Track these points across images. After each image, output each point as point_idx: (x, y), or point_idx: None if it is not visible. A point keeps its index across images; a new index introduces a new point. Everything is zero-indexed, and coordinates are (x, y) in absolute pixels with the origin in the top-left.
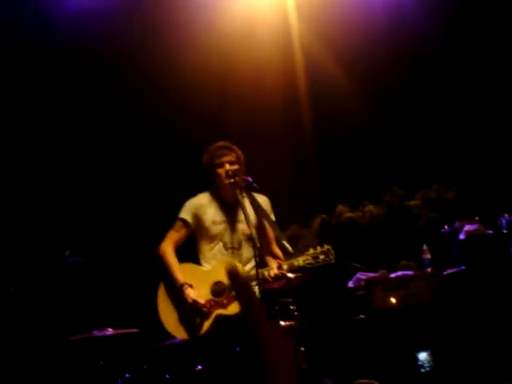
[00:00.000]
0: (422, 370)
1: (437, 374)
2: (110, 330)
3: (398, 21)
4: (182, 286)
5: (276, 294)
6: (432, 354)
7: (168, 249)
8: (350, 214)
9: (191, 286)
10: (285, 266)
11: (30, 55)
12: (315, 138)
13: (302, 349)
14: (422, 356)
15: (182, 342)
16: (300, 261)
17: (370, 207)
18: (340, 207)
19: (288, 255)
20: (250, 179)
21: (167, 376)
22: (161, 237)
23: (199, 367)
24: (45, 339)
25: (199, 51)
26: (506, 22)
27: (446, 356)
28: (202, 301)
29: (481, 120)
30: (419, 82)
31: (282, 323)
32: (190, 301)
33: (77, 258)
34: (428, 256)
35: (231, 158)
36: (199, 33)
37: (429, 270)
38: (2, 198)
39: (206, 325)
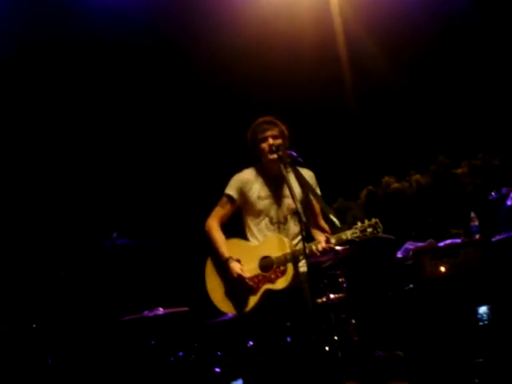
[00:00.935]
0: (481, 324)
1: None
2: (160, 309)
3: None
4: (227, 260)
5: (324, 267)
6: (490, 309)
7: (214, 224)
8: (396, 185)
9: (238, 260)
10: (332, 240)
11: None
12: (359, 112)
13: (353, 321)
14: (482, 310)
15: (233, 319)
16: (348, 234)
17: (417, 177)
18: (386, 178)
19: (335, 229)
20: (294, 153)
21: (219, 353)
22: (208, 213)
23: (251, 343)
24: (96, 321)
25: (238, 21)
26: None
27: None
28: (247, 274)
29: None
30: (463, 51)
31: (332, 296)
32: (235, 275)
33: (124, 240)
34: (476, 223)
35: (274, 132)
36: (237, 5)
37: (477, 237)
38: (49, 182)
39: (254, 300)
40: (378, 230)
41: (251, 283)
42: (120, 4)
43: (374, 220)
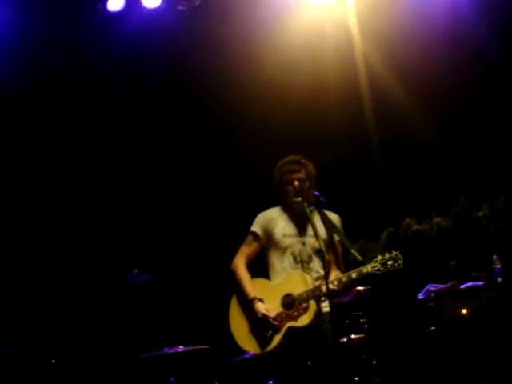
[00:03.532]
0: None
1: None
2: (180, 347)
3: (459, 35)
4: (252, 300)
5: (346, 307)
6: None
7: (240, 263)
8: (417, 227)
9: (261, 300)
10: (353, 274)
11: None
12: (381, 152)
13: (374, 362)
14: None
15: (253, 357)
16: (369, 267)
17: (438, 219)
18: (407, 220)
19: (358, 264)
20: (317, 194)
21: None
22: (232, 250)
23: (271, 382)
24: (116, 357)
25: (259, 64)
26: None
27: None
28: (272, 314)
29: None
30: (483, 94)
31: (353, 336)
32: (259, 315)
33: (146, 276)
34: (498, 266)
35: (301, 174)
36: (259, 46)
37: (499, 280)
38: (71, 217)
39: (278, 338)
40: (399, 261)
41: (276, 323)
42: (140, 48)
43: (394, 252)
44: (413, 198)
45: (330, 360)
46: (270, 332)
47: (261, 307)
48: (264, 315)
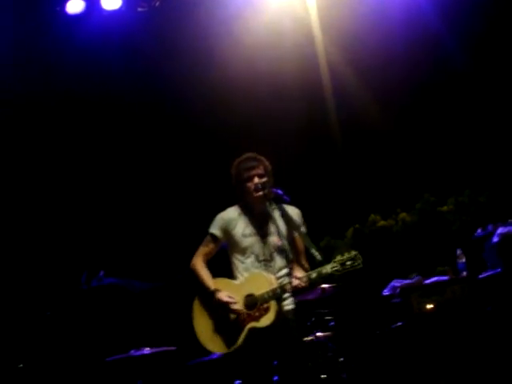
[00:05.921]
0: None
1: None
2: (147, 349)
3: (417, 31)
4: (213, 291)
5: (312, 305)
6: None
7: (199, 262)
8: (383, 223)
9: None
10: (313, 275)
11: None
12: (346, 150)
13: (341, 359)
14: None
15: (219, 358)
16: (328, 268)
17: (403, 215)
18: (373, 216)
19: (317, 264)
20: (279, 191)
21: None
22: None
23: (237, 382)
24: (83, 361)
25: (223, 62)
26: None
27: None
28: (235, 306)
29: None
30: (448, 89)
31: (319, 334)
32: (223, 302)
33: (111, 279)
34: (463, 260)
35: (259, 170)
36: (223, 45)
37: (464, 274)
38: (35, 220)
39: (240, 338)
40: (358, 261)
41: (237, 307)
42: (101, 50)
43: (353, 253)
44: (378, 194)
45: (296, 358)
46: (233, 332)
47: (223, 295)
48: (226, 302)
